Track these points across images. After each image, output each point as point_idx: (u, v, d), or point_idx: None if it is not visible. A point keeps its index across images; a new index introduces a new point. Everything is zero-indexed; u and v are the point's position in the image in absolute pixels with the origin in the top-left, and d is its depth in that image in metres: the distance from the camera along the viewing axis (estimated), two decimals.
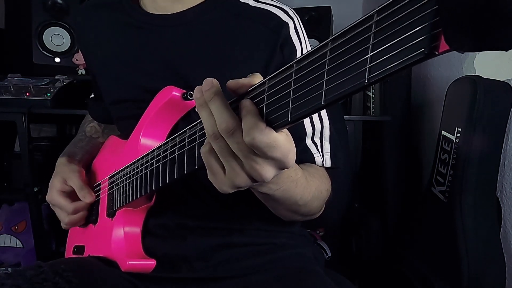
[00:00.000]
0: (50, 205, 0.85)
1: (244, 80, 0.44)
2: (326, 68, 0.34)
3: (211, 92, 0.43)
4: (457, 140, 1.13)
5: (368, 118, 1.58)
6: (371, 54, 0.30)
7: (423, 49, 0.26)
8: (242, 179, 0.46)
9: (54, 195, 0.82)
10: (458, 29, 0.24)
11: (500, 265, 1.08)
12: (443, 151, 1.20)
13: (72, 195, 0.83)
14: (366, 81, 0.30)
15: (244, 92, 0.45)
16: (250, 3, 0.72)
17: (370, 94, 1.61)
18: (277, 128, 0.41)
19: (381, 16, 0.29)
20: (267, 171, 0.44)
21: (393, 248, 1.46)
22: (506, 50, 0.23)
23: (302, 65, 0.37)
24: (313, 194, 0.65)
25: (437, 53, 0.26)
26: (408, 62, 0.27)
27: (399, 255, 1.39)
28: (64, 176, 0.83)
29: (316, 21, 1.73)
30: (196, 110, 0.46)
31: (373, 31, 0.29)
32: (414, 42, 0.27)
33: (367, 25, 0.30)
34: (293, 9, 0.75)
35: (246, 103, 0.42)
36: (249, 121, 0.41)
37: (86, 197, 0.81)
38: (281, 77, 0.39)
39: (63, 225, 0.85)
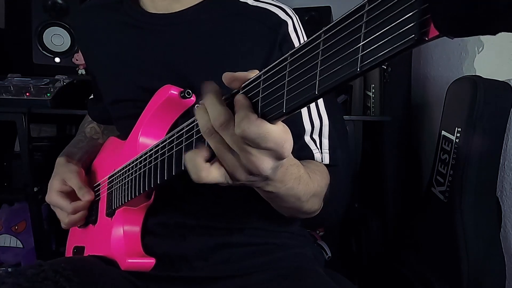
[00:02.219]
0: (51, 206, 0.85)
1: (239, 74, 0.45)
2: (319, 58, 0.35)
3: (205, 91, 0.45)
4: (457, 140, 1.13)
5: (368, 118, 1.58)
6: (363, 42, 0.30)
7: (413, 35, 0.27)
8: (240, 173, 0.46)
9: (53, 196, 0.82)
10: (446, 14, 0.24)
11: (500, 265, 1.08)
12: (443, 151, 1.20)
13: (71, 195, 0.83)
14: (358, 69, 0.31)
15: (238, 86, 0.45)
16: (249, 2, 0.72)
17: (370, 94, 1.61)
18: (273, 120, 0.42)
19: (372, 5, 0.30)
20: (263, 162, 0.44)
21: (393, 248, 1.46)
22: (494, 34, 0.23)
23: (295, 57, 0.38)
24: (315, 190, 0.65)
25: (427, 39, 0.27)
26: (399, 49, 0.28)
27: (399, 255, 1.39)
28: (63, 177, 0.83)
29: (316, 21, 1.73)
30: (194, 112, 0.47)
31: (364, 20, 0.30)
32: (404, 29, 0.27)
33: (358, 14, 0.31)
34: (293, 9, 0.75)
35: (239, 98, 0.43)
36: (240, 114, 0.42)
37: (85, 196, 0.81)
38: (275, 69, 0.40)
39: (63, 225, 0.85)
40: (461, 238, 1.08)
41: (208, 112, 0.45)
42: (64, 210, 0.82)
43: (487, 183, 1.10)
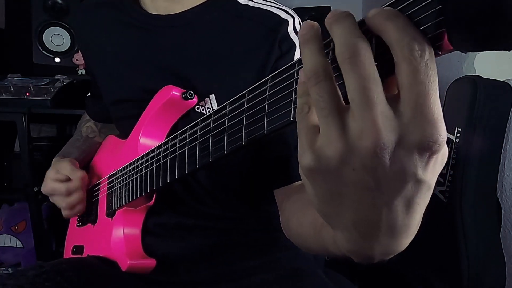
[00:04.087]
0: (49, 197, 0.86)
1: None
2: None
3: (338, 16, 0.29)
4: (457, 140, 1.13)
5: None
6: (375, 53, 0.29)
7: None
8: (337, 146, 0.28)
9: (48, 183, 0.84)
10: (461, 29, 0.24)
11: (500, 265, 1.08)
12: None
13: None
14: None
15: None
16: (250, 4, 0.72)
17: None
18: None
19: None
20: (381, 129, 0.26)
21: None
22: (509, 50, 0.23)
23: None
24: None
25: (440, 53, 0.26)
26: None
27: (398, 255, 1.39)
28: (56, 167, 0.85)
29: (316, 21, 1.73)
30: (299, 47, 0.32)
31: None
32: None
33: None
34: (293, 9, 0.74)
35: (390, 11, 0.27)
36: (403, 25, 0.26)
37: (77, 175, 0.83)
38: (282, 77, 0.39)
39: (63, 213, 0.86)
40: (461, 238, 1.08)
41: (339, 39, 0.28)
42: (59, 193, 0.83)
43: (487, 183, 1.10)
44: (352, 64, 0.27)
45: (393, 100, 0.27)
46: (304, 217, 0.53)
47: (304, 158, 0.30)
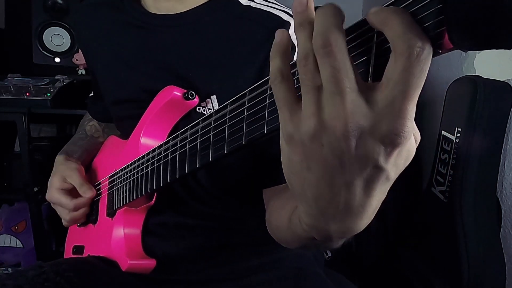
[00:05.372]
0: (51, 203, 0.85)
1: None
2: None
3: (325, 8, 0.30)
4: (457, 140, 1.13)
5: None
6: (375, 52, 0.29)
7: None
8: (311, 121, 0.30)
9: (54, 193, 0.82)
10: (462, 28, 0.24)
11: (500, 265, 1.09)
12: (443, 151, 1.20)
13: (72, 193, 0.83)
14: (370, 79, 0.30)
15: None
16: (252, 5, 0.72)
17: None
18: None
19: None
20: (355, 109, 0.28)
21: (393, 248, 1.46)
22: (509, 48, 0.23)
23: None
24: None
25: (440, 51, 0.26)
26: None
27: (399, 255, 1.39)
28: (63, 174, 0.83)
29: None
30: (294, 31, 0.33)
31: (376, 30, 0.29)
32: None
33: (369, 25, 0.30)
34: None
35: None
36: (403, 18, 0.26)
37: (87, 193, 0.81)
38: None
39: (64, 223, 0.85)
40: (461, 238, 1.08)
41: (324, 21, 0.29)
42: (66, 208, 0.82)
43: (487, 183, 1.10)
44: (324, 54, 0.28)
45: (370, 88, 0.28)
46: (283, 211, 0.55)
47: (287, 125, 0.32)
